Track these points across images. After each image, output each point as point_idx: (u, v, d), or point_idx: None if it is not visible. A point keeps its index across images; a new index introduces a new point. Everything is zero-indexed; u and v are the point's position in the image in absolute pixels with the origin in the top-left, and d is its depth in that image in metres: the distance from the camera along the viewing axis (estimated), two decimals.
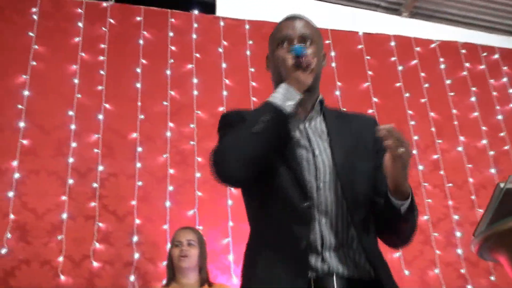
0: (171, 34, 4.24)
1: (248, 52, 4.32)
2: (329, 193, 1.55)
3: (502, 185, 1.58)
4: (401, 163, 1.44)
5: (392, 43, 4.77)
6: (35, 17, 3.99)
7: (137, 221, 3.56)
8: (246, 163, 1.48)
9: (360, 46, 4.67)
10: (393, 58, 4.71)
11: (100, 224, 3.50)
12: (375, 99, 4.45)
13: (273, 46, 1.75)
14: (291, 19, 1.76)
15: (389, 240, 1.64)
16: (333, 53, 4.50)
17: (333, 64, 4.43)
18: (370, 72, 4.57)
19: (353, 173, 1.58)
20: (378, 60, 4.67)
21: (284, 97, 1.54)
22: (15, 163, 3.51)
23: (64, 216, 3.45)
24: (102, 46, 4.04)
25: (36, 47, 3.90)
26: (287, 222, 1.50)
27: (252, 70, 4.26)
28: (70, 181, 3.56)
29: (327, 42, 4.47)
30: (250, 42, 4.36)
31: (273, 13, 4.47)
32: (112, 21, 4.15)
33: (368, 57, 4.63)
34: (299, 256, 1.47)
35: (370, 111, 4.35)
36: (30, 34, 3.91)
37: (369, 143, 1.68)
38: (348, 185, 1.56)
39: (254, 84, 4.20)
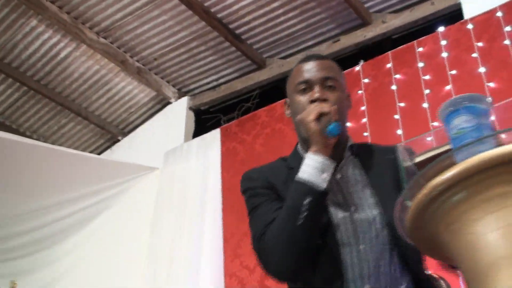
0: (421, 64, 4.02)
1: (507, 42, 3.65)
2: (377, 247, 1.40)
3: None
4: None
5: None
6: None
7: None
8: (296, 258, 1.39)
9: None
10: None
11: None
12: None
13: (290, 90, 1.61)
14: (308, 59, 1.61)
15: None
16: None
17: None
18: None
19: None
20: None
21: (317, 170, 1.38)
22: None
23: None
24: (362, 108, 4.15)
25: None
26: None
27: None
28: None
29: None
30: (508, 28, 3.69)
31: None
32: (366, 80, 4.25)
33: None
34: None
35: None
36: None
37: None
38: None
39: None
